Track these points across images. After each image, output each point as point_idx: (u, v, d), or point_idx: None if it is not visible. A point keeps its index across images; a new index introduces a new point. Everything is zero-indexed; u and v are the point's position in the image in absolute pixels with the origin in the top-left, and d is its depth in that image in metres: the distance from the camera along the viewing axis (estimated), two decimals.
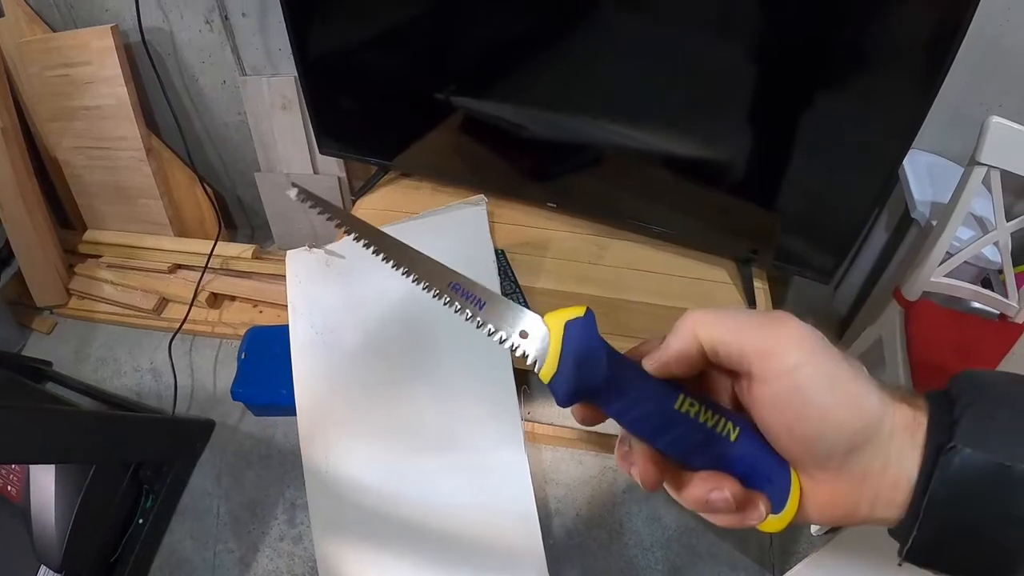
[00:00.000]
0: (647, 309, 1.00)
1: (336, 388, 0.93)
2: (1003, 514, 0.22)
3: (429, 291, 0.31)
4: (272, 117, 1.42)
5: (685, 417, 0.27)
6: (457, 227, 1.00)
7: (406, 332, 0.92)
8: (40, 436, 0.94)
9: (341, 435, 0.92)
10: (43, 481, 1.06)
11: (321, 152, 1.28)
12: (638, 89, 0.92)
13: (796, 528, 1.16)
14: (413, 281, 0.31)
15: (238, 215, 1.77)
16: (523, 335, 0.29)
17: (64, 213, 1.66)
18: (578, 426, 1.23)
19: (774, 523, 0.27)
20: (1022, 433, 0.23)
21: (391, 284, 0.96)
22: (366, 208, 1.19)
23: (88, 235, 1.58)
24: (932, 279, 0.98)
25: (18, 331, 1.54)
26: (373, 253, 0.32)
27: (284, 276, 1.50)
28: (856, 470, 0.24)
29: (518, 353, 0.28)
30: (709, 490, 0.26)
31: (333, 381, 0.93)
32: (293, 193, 0.35)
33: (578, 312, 0.28)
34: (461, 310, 0.30)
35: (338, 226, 0.34)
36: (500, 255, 1.02)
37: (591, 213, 1.11)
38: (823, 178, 0.90)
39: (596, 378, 0.27)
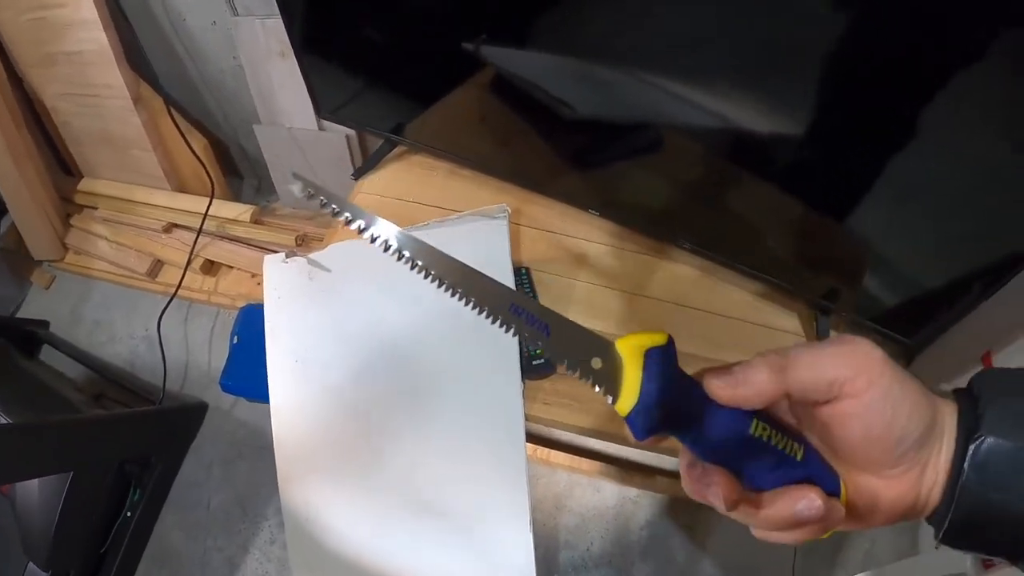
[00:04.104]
0: (695, 361, 0.81)
1: (319, 429, 0.80)
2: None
3: (484, 315, 0.29)
4: (269, 64, 1.23)
5: (759, 441, 0.27)
6: (470, 243, 0.82)
7: (402, 376, 0.78)
8: (22, 453, 0.87)
9: (323, 483, 0.80)
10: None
11: (318, 115, 1.08)
12: (709, 35, 0.65)
13: None
14: (465, 303, 0.29)
15: (243, 164, 1.61)
16: (595, 364, 0.27)
17: (63, 160, 1.53)
18: (596, 455, 1.10)
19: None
20: None
21: (385, 314, 0.81)
22: (366, 193, 1.01)
23: (83, 184, 1.46)
24: None
25: (17, 287, 1.47)
26: (411, 268, 0.30)
27: (283, 244, 1.37)
28: (922, 459, 0.27)
29: (596, 389, 0.27)
30: (795, 502, 0.26)
31: (316, 421, 0.81)
32: (297, 188, 0.33)
33: (659, 340, 0.27)
34: (526, 338, 0.28)
35: (359, 230, 0.30)
36: (524, 274, 0.85)
37: (639, 225, 0.90)
38: (954, 204, 0.67)
39: (679, 412, 0.26)
